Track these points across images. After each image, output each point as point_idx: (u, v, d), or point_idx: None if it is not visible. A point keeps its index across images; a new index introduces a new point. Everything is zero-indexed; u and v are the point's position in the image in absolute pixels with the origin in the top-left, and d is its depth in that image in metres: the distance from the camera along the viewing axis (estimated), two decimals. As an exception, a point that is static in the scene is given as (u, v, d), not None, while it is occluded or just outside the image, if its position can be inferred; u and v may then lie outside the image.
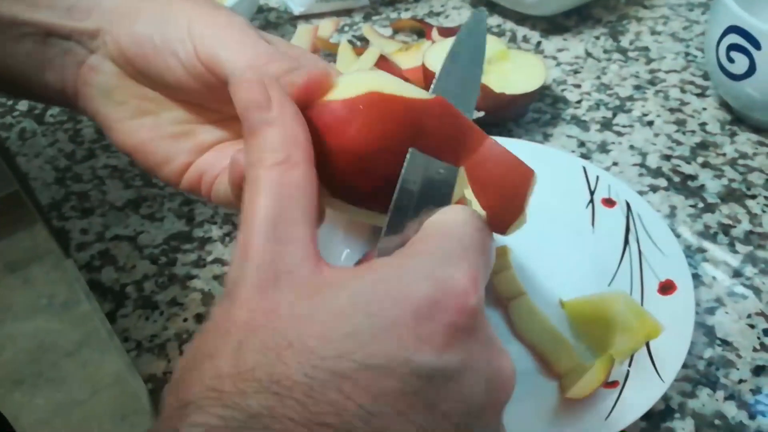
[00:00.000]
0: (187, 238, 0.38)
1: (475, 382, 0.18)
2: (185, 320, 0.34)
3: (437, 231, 0.19)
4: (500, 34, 0.52)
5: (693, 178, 0.40)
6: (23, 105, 0.47)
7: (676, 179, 0.40)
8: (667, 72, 0.48)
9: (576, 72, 0.48)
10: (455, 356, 0.17)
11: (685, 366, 0.30)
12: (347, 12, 0.54)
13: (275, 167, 0.19)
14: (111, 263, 0.36)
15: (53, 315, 0.28)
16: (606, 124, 0.44)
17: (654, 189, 0.40)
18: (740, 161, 0.41)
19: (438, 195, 0.21)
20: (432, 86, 0.25)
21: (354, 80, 0.23)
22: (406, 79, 0.25)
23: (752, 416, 0.29)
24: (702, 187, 0.40)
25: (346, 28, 0.53)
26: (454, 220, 0.20)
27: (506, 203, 0.23)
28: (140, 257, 0.37)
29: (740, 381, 0.31)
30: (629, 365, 0.30)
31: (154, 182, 0.41)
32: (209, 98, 0.26)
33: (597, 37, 0.51)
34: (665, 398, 0.30)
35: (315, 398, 0.16)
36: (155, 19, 0.25)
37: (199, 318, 0.34)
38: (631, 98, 0.46)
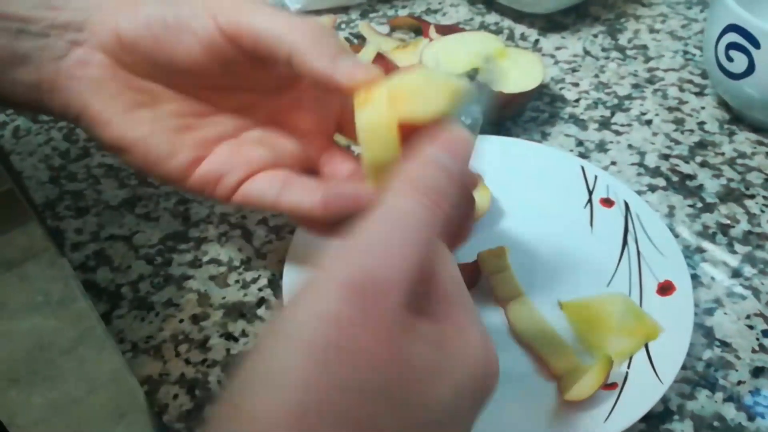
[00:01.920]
0: (183, 238, 0.37)
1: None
2: (181, 321, 0.33)
3: (460, 294, 0.20)
4: (498, 32, 0.51)
5: (691, 177, 0.40)
6: None
7: (675, 179, 0.40)
8: (665, 71, 0.48)
9: (574, 70, 0.48)
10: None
11: (683, 367, 0.30)
12: (344, 9, 0.54)
13: (440, 212, 0.19)
14: (106, 263, 0.36)
15: (49, 313, 0.27)
16: (604, 123, 0.44)
17: (652, 189, 0.40)
18: (739, 161, 0.41)
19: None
20: None
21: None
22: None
23: (751, 418, 0.29)
24: (701, 186, 0.40)
25: (343, 26, 0.52)
26: (460, 281, 0.20)
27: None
28: (135, 257, 0.36)
29: (739, 382, 0.30)
30: (628, 367, 0.30)
31: (150, 181, 0.40)
32: (221, 74, 0.25)
33: (595, 36, 0.51)
34: (664, 400, 0.30)
35: None
36: (164, 1, 0.25)
37: (195, 319, 0.33)
38: (629, 97, 0.46)
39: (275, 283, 0.35)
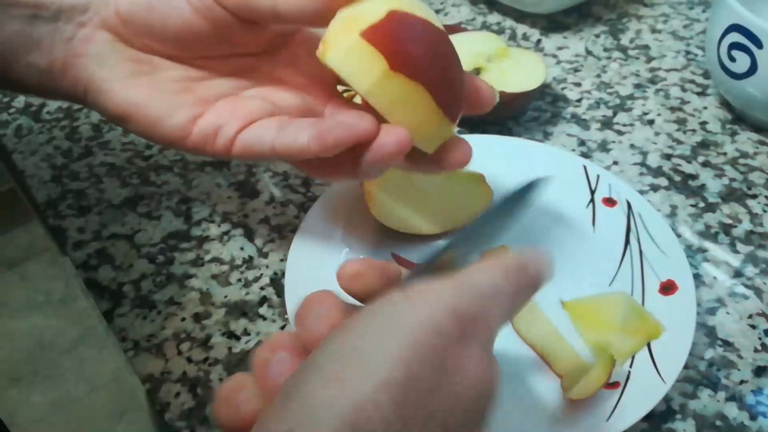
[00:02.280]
0: (185, 237, 0.37)
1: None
2: (183, 320, 0.33)
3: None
4: (500, 32, 0.52)
5: (694, 177, 0.40)
6: (20, 102, 0.46)
7: (677, 178, 0.40)
8: (667, 70, 0.48)
9: (576, 70, 0.48)
10: None
11: (686, 367, 0.30)
12: (346, 9, 0.54)
13: (525, 294, 0.22)
14: (108, 262, 0.36)
15: (50, 312, 0.27)
16: (606, 123, 0.44)
17: (655, 188, 0.40)
18: (741, 161, 0.41)
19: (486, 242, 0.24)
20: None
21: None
22: None
23: (753, 417, 0.29)
24: (703, 186, 0.40)
25: (345, 25, 0.52)
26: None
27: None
28: (138, 256, 0.36)
29: (741, 382, 0.30)
30: (630, 366, 0.30)
31: (152, 180, 0.40)
32: (216, 38, 0.26)
33: (597, 35, 0.51)
34: (666, 399, 0.30)
35: None
36: None
37: (197, 317, 0.33)
38: (631, 97, 0.46)
39: (277, 282, 0.35)
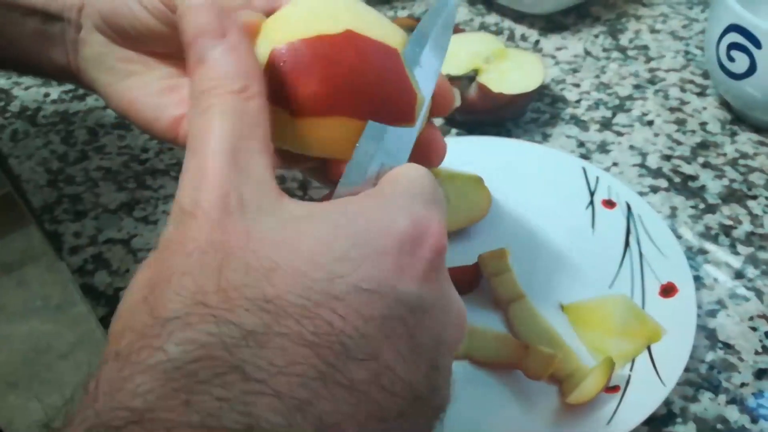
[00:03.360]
0: (182, 241, 0.37)
1: (443, 318, 0.19)
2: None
3: (404, 178, 0.20)
4: (498, 32, 0.52)
5: (693, 178, 0.40)
6: (15, 106, 0.46)
7: (677, 180, 0.40)
8: (666, 71, 0.48)
9: (575, 71, 0.48)
10: (430, 291, 0.18)
11: (686, 370, 0.29)
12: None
13: (232, 95, 0.18)
14: (104, 267, 0.36)
15: (48, 316, 0.28)
16: (605, 124, 0.44)
17: (654, 190, 0.40)
18: (741, 161, 0.41)
19: (395, 154, 0.22)
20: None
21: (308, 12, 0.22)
22: None
23: (754, 420, 0.29)
24: (703, 187, 0.40)
25: (343, 27, 0.52)
26: (416, 172, 0.20)
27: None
28: (134, 261, 0.36)
29: (742, 384, 0.30)
30: (630, 369, 0.30)
31: (148, 184, 0.40)
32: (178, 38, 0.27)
33: (596, 36, 0.51)
34: (667, 402, 0.29)
35: (310, 318, 0.16)
36: None
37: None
38: (630, 97, 0.46)
39: None
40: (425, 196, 0.19)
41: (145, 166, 0.41)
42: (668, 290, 0.32)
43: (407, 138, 0.22)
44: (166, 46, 0.27)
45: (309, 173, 0.28)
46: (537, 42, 0.50)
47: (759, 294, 0.34)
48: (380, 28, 0.23)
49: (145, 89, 0.27)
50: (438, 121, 0.44)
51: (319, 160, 0.24)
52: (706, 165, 0.41)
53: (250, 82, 0.19)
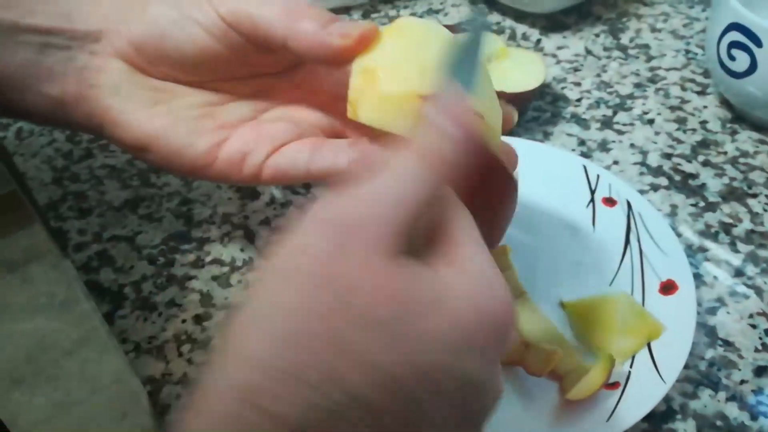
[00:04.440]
0: (186, 239, 0.37)
1: (492, 394, 0.19)
2: (184, 321, 0.33)
3: (471, 241, 0.19)
4: (499, 31, 0.52)
5: (694, 176, 0.40)
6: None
7: (677, 178, 0.40)
8: (667, 70, 0.48)
9: (576, 70, 0.48)
10: (494, 370, 0.19)
11: (686, 367, 0.29)
12: (346, 9, 0.54)
13: (438, 171, 0.18)
14: (109, 264, 0.36)
15: (52, 314, 0.28)
16: (606, 123, 0.44)
17: (655, 188, 0.40)
18: (741, 160, 0.41)
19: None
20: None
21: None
22: None
23: (754, 417, 0.29)
24: (703, 185, 0.40)
25: (345, 26, 0.52)
26: (474, 231, 0.20)
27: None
28: (138, 258, 0.36)
29: (742, 382, 0.30)
30: (630, 366, 0.30)
31: (152, 182, 0.41)
32: (232, 61, 0.26)
33: (597, 35, 0.51)
34: (667, 399, 0.30)
35: (410, 397, 0.16)
36: (168, 0, 0.26)
37: (198, 319, 0.33)
38: (631, 96, 0.46)
39: None
40: (491, 260, 0.19)
41: (149, 165, 0.42)
42: (668, 288, 0.32)
43: None
44: (211, 70, 0.26)
45: None
46: (538, 41, 0.50)
47: (759, 292, 0.34)
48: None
49: (174, 117, 0.26)
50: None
51: None
52: (706, 163, 0.41)
53: (450, 173, 0.19)
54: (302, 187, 0.40)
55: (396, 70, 0.23)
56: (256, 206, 0.39)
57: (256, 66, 0.28)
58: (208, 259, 0.36)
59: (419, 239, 0.19)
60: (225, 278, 0.35)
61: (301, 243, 0.17)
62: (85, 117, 0.27)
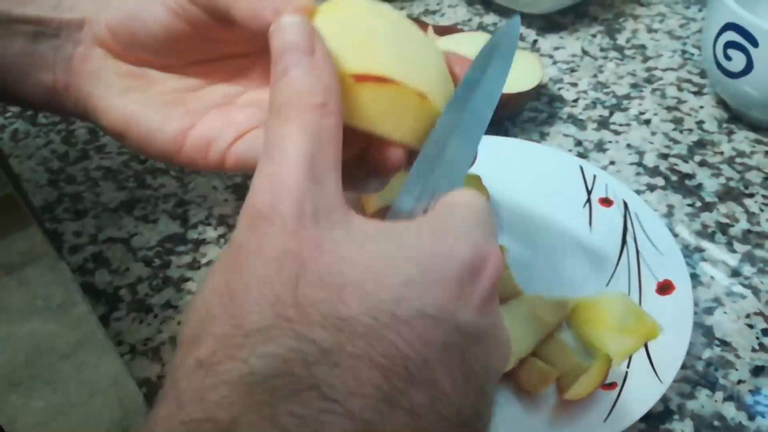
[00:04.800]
0: (182, 240, 0.37)
1: (493, 346, 0.19)
2: (179, 323, 0.33)
3: (462, 205, 0.20)
4: (496, 32, 0.52)
5: (690, 176, 0.40)
6: (16, 106, 0.46)
7: (674, 178, 0.40)
8: (663, 70, 0.48)
9: (572, 70, 0.48)
10: (486, 320, 0.18)
11: (683, 367, 0.30)
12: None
13: (312, 110, 0.19)
14: (104, 266, 0.36)
15: (49, 317, 0.28)
16: (603, 123, 0.44)
17: (651, 188, 0.40)
18: (738, 160, 0.41)
19: (454, 172, 0.22)
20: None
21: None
22: None
23: (751, 417, 0.29)
24: (699, 185, 0.40)
25: (342, 27, 0.52)
26: (475, 200, 0.20)
27: None
28: (134, 259, 0.36)
29: (739, 381, 0.30)
30: (627, 366, 0.30)
31: (148, 183, 0.40)
32: (199, 39, 0.26)
33: (593, 35, 0.51)
34: (664, 399, 0.30)
35: (379, 340, 0.16)
36: None
37: (195, 321, 0.33)
38: (627, 96, 0.46)
39: None
40: (483, 225, 0.19)
41: (145, 166, 0.42)
42: (665, 288, 0.32)
43: (470, 154, 0.23)
44: (183, 51, 0.27)
45: (350, 167, 0.26)
46: (535, 42, 0.50)
47: (755, 291, 0.34)
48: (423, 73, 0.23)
49: (147, 102, 0.27)
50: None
51: (362, 146, 0.24)
52: (703, 163, 0.41)
53: (330, 100, 0.19)
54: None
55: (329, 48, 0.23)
56: (253, 207, 0.39)
57: (224, 44, 0.28)
58: (203, 260, 0.36)
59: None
60: (222, 280, 0.35)
61: (235, 240, 0.18)
62: (73, 104, 0.28)
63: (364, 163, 0.25)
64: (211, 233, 0.38)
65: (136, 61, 0.27)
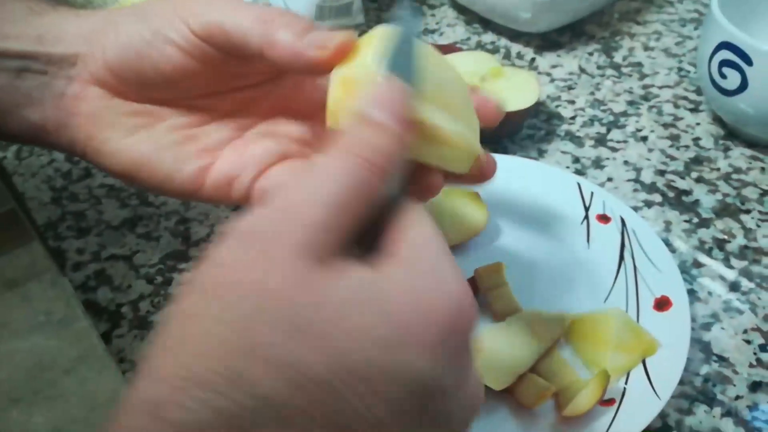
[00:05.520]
0: (183, 258, 0.38)
1: (462, 397, 0.19)
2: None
3: (425, 242, 0.19)
4: (494, 51, 0.53)
5: (687, 193, 0.41)
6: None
7: (671, 194, 0.41)
8: (660, 87, 0.49)
9: (570, 88, 0.49)
10: (457, 373, 0.18)
11: (681, 382, 0.30)
12: (342, 29, 0.55)
13: (371, 167, 0.19)
14: (107, 283, 0.37)
15: (51, 332, 0.28)
16: (600, 140, 0.44)
17: (649, 204, 0.40)
18: (734, 176, 0.42)
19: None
20: None
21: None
22: None
23: (749, 433, 0.29)
24: (696, 202, 0.40)
25: (342, 46, 0.53)
26: (434, 234, 0.20)
27: None
28: (136, 277, 0.37)
29: (737, 397, 0.31)
30: (625, 382, 0.30)
31: (150, 201, 0.41)
32: (210, 75, 0.26)
33: (590, 53, 0.52)
34: (662, 415, 0.30)
35: (340, 402, 0.16)
36: (139, 19, 0.25)
37: (195, 337, 0.34)
38: (625, 114, 0.46)
39: None
40: (449, 263, 0.19)
41: (148, 184, 0.43)
42: (662, 304, 0.33)
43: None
44: (190, 87, 0.26)
45: None
46: (533, 60, 0.51)
47: (753, 307, 0.34)
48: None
49: (158, 142, 0.26)
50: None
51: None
52: (699, 180, 0.41)
53: (388, 167, 0.19)
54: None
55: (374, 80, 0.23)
56: (254, 224, 0.39)
57: (235, 80, 0.27)
58: None
59: (368, 240, 0.19)
60: (222, 296, 0.36)
61: (219, 256, 0.18)
62: (68, 143, 0.27)
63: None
64: (212, 250, 0.38)
65: (138, 98, 0.26)
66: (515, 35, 0.53)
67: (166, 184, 0.26)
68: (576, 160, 0.43)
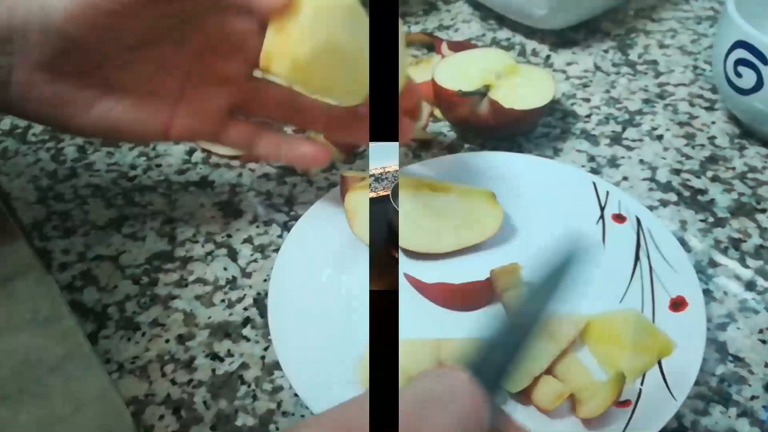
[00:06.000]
0: (169, 258, 0.40)
1: None
2: (167, 341, 0.35)
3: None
4: (509, 48, 0.55)
5: (703, 192, 0.43)
6: (5, 124, 0.50)
7: (686, 194, 0.43)
8: (675, 85, 0.51)
9: (585, 86, 0.52)
10: None
11: (697, 383, 0.31)
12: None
13: None
14: (93, 283, 0.38)
15: (36, 330, 0.30)
16: (615, 139, 0.47)
17: (664, 204, 0.42)
18: (750, 175, 0.44)
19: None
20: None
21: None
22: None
23: (767, 434, 0.31)
24: (712, 201, 0.42)
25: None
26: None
27: None
28: (122, 277, 0.39)
29: (753, 397, 0.32)
30: (641, 383, 0.32)
31: (136, 201, 0.43)
32: (136, 23, 0.31)
33: (606, 51, 0.55)
34: (678, 416, 0.32)
35: None
36: None
37: (181, 338, 0.35)
38: (640, 112, 0.49)
39: (260, 302, 0.37)
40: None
41: (134, 183, 0.45)
42: (678, 304, 0.34)
43: None
44: (113, 39, 0.31)
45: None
46: (548, 57, 0.54)
47: (770, 307, 0.36)
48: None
49: (123, 108, 0.33)
50: (450, 137, 0.48)
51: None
52: (715, 179, 0.44)
53: None
54: (284, 205, 0.43)
55: (310, 32, 0.30)
56: (239, 224, 0.41)
57: (156, 21, 0.33)
58: (191, 278, 0.38)
59: None
60: (208, 297, 0.37)
61: None
62: (35, 119, 0.33)
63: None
64: (198, 250, 0.40)
65: (79, 71, 0.31)
66: (530, 32, 0.56)
67: (140, 138, 0.34)
68: (591, 158, 0.46)
